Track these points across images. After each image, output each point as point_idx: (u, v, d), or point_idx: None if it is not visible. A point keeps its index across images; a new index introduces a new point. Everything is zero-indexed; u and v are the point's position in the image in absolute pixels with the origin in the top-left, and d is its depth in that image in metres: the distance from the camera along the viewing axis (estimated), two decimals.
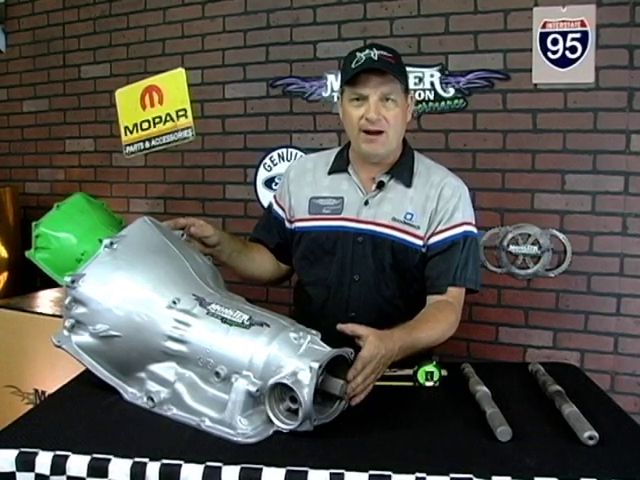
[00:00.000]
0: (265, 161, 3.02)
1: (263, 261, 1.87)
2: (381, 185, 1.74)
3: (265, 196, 2.97)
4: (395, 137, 1.69)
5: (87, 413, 1.31)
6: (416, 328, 1.53)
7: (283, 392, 1.22)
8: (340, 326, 1.40)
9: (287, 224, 1.86)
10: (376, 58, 1.61)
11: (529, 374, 1.60)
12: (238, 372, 1.24)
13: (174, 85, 3.19)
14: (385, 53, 1.64)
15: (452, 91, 2.67)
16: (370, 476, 1.06)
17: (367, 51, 1.63)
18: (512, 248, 2.63)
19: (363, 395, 1.32)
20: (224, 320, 1.30)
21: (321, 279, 1.77)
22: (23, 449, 1.14)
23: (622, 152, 2.46)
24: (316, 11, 2.88)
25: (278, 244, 1.89)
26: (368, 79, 1.62)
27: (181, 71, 3.18)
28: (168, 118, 3.21)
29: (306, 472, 1.07)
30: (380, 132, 1.65)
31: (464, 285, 1.71)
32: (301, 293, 1.85)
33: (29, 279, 3.16)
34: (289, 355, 1.24)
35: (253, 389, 1.22)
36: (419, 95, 2.70)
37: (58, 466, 1.11)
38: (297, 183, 1.85)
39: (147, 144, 3.28)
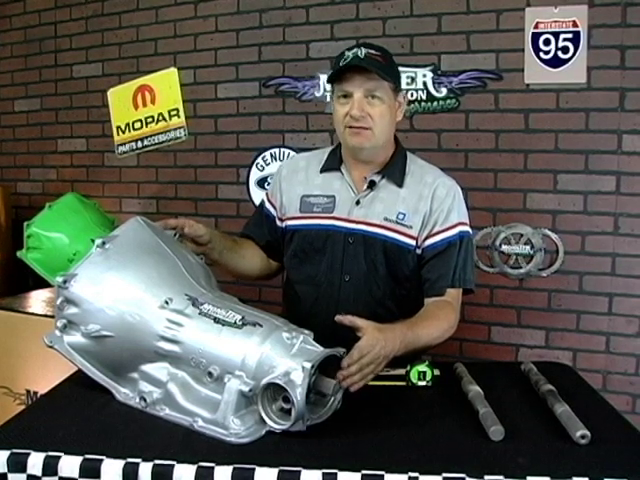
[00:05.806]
0: (258, 161, 3.02)
1: (253, 257, 1.87)
2: (372, 185, 1.73)
3: (258, 196, 2.96)
4: (382, 134, 1.68)
5: (79, 414, 1.31)
6: (417, 324, 1.53)
7: (276, 392, 1.22)
8: (339, 317, 1.40)
9: (278, 222, 1.86)
10: (362, 56, 1.62)
11: (521, 373, 1.61)
12: (231, 372, 1.24)
13: (166, 85, 3.18)
14: (373, 52, 1.64)
15: (444, 91, 2.67)
16: (363, 476, 1.06)
17: (355, 49, 1.64)
18: (504, 248, 2.63)
19: (360, 384, 1.32)
20: (217, 320, 1.30)
21: (310, 277, 1.77)
22: (15, 450, 1.13)
23: (614, 152, 2.47)
24: (309, 11, 2.88)
25: (268, 242, 1.88)
26: (353, 76, 1.63)
27: (173, 71, 3.17)
28: (160, 118, 3.20)
29: (299, 472, 1.07)
30: (365, 128, 1.65)
31: (463, 286, 1.72)
32: (291, 292, 1.84)
33: (21, 279, 3.15)
34: (282, 355, 1.23)
35: (246, 389, 1.22)
36: (411, 95, 2.70)
37: (50, 467, 1.10)
38: (289, 181, 1.84)
39: (139, 144, 3.27)
